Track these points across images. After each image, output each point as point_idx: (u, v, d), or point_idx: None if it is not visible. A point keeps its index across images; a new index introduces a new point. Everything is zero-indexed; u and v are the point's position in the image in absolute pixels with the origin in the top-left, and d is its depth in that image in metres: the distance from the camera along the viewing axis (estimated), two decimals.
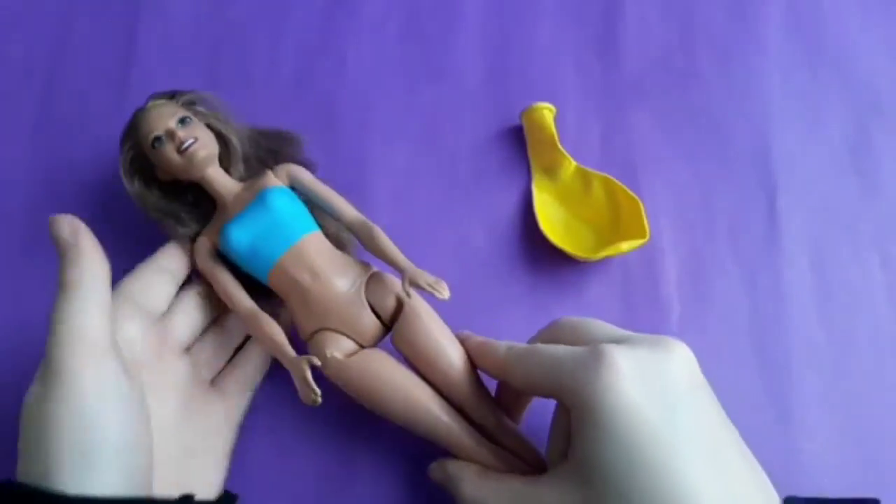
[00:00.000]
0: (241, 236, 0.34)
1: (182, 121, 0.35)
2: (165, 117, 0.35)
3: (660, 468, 0.25)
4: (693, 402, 0.27)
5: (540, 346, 0.30)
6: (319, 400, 0.32)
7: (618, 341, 0.28)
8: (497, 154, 0.42)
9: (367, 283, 0.35)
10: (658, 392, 0.26)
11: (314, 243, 0.35)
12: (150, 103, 0.36)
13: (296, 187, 0.37)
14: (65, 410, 0.26)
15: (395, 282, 0.35)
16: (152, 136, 0.35)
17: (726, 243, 0.40)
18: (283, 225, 0.34)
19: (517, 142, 0.42)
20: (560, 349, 0.29)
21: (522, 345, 0.31)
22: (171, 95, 0.37)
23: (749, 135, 0.43)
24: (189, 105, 0.37)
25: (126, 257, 0.40)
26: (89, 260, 0.30)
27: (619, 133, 0.43)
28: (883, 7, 0.45)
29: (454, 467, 0.32)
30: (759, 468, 0.27)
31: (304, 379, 0.32)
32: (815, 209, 0.41)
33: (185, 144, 0.35)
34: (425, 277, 0.33)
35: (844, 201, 0.41)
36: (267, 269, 0.34)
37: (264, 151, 0.38)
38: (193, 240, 0.37)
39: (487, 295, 0.39)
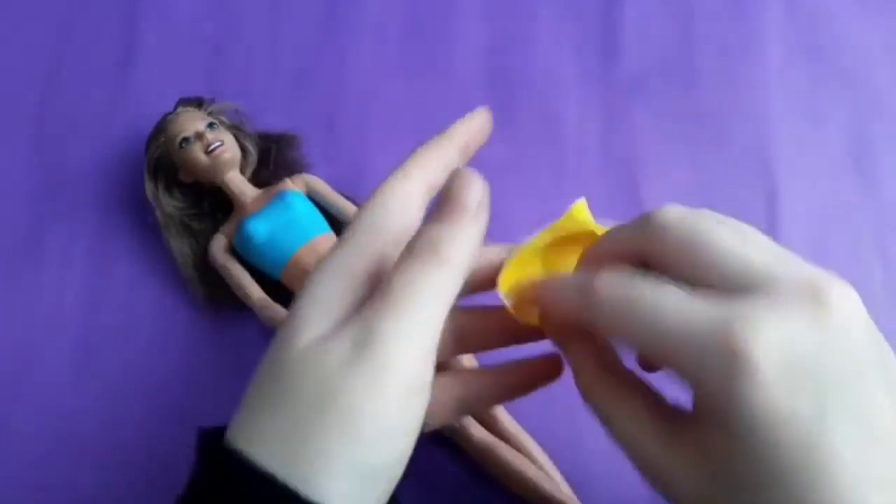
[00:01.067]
0: (260, 228, 0.36)
1: (210, 125, 0.38)
2: (195, 121, 0.38)
3: (806, 485, 0.19)
4: (857, 389, 0.20)
5: (644, 297, 0.21)
6: None
7: (756, 281, 0.20)
8: (497, 154, 0.42)
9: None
10: (812, 390, 0.19)
11: (329, 242, 0.37)
12: (180, 108, 0.39)
13: (312, 196, 0.39)
14: (386, 414, 0.20)
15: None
16: (181, 136, 0.37)
17: None
18: (300, 222, 0.37)
19: (517, 141, 0.42)
20: (673, 313, 0.20)
21: (613, 285, 0.22)
22: (199, 104, 0.39)
23: (749, 135, 0.43)
24: (214, 114, 0.39)
25: (125, 259, 0.40)
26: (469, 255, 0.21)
27: (619, 133, 0.43)
28: (883, 7, 0.45)
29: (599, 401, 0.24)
30: None
31: None
32: (815, 209, 0.41)
33: (213, 146, 0.37)
34: None
35: (844, 201, 0.41)
36: (283, 263, 0.36)
37: (266, 153, 0.40)
38: (199, 240, 0.39)
39: (487, 294, 0.39)
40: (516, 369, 0.27)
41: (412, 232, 0.22)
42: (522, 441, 0.34)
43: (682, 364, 0.20)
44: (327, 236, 0.37)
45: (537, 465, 0.34)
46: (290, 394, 0.20)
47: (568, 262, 0.26)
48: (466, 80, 0.44)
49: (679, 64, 0.44)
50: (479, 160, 0.42)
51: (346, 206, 0.38)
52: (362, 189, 0.40)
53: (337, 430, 0.19)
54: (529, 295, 0.25)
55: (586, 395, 0.24)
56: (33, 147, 0.42)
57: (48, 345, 0.38)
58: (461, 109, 0.43)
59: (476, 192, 0.22)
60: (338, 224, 0.39)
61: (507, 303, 0.25)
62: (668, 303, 0.20)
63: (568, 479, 0.34)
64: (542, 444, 0.35)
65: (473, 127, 0.26)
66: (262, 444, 0.20)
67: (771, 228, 0.40)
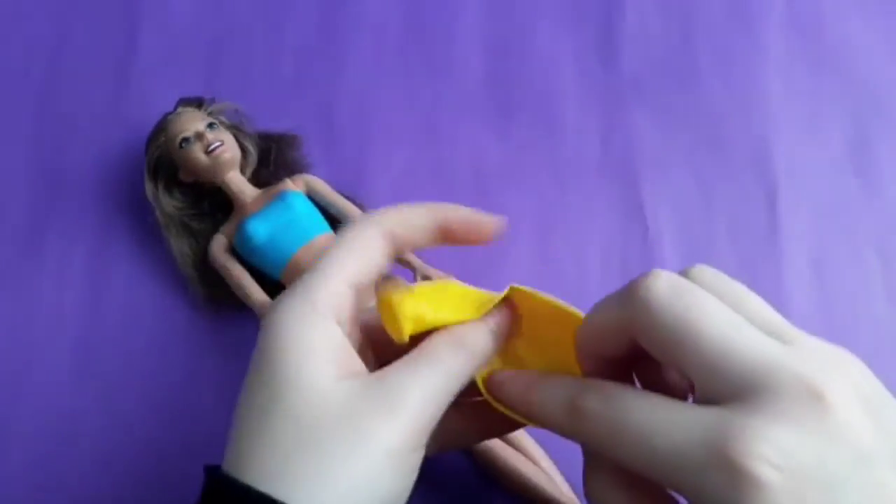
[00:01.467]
0: (260, 229, 0.36)
1: (210, 125, 0.38)
2: (195, 120, 0.38)
3: None
4: (865, 478, 0.19)
5: (631, 418, 0.21)
6: None
7: (748, 386, 0.20)
8: (497, 154, 0.42)
9: (377, 280, 0.36)
10: (820, 490, 0.19)
11: (329, 242, 0.36)
12: (180, 108, 0.39)
13: (312, 196, 0.39)
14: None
15: (404, 280, 0.36)
16: (181, 136, 0.37)
17: (726, 243, 0.40)
18: (301, 222, 0.37)
19: (517, 141, 0.42)
20: (665, 433, 0.20)
21: (598, 406, 0.21)
22: (199, 104, 0.39)
23: (749, 135, 0.43)
24: (214, 114, 0.39)
25: (125, 259, 0.40)
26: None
27: (619, 133, 0.43)
28: (883, 7, 0.45)
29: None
30: None
31: None
32: (815, 209, 0.41)
33: (213, 146, 0.37)
34: (436, 272, 0.36)
35: (844, 201, 0.41)
36: (283, 263, 0.36)
37: (266, 153, 0.40)
38: (200, 240, 0.39)
39: None
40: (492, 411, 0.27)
41: (369, 270, 0.26)
42: (523, 442, 0.34)
43: (681, 483, 0.20)
44: (327, 236, 0.37)
45: (538, 465, 0.34)
46: (308, 431, 0.21)
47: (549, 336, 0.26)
48: (466, 80, 0.44)
49: (679, 64, 0.44)
50: (479, 161, 0.42)
51: (346, 206, 0.38)
52: (362, 189, 0.40)
53: (352, 473, 0.21)
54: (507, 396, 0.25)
55: (596, 498, 0.23)
56: (33, 147, 0.42)
57: (48, 345, 0.38)
58: (461, 109, 0.43)
59: (505, 322, 0.26)
60: (338, 224, 0.39)
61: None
62: (657, 421, 0.20)
63: (568, 479, 0.34)
64: (542, 444, 0.35)
65: (469, 218, 0.26)
66: (271, 477, 0.21)
67: (771, 228, 0.41)
